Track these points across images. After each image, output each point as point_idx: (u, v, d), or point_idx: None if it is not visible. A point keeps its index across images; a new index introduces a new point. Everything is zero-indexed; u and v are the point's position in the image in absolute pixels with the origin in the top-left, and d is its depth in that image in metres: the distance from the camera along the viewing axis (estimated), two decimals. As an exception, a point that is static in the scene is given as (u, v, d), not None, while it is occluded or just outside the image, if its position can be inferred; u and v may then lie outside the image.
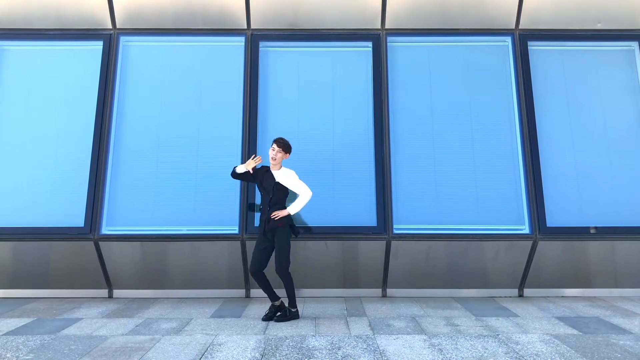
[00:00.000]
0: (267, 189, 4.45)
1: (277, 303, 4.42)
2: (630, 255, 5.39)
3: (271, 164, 4.51)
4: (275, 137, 4.57)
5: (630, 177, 5.57)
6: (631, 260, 5.40)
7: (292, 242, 4.51)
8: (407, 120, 5.74)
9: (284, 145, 4.50)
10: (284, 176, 4.49)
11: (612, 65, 5.93)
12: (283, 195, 4.49)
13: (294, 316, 4.41)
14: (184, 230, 5.39)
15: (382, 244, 5.33)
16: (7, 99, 5.78)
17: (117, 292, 5.47)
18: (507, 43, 5.97)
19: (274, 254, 4.40)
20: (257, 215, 5.31)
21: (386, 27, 5.93)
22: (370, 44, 5.91)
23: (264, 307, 4.92)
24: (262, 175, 4.51)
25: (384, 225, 5.35)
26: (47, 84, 5.82)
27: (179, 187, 5.53)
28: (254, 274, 4.35)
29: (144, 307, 4.97)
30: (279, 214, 4.33)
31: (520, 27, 5.93)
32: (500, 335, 3.90)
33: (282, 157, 4.51)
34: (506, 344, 3.67)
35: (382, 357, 3.39)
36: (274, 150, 4.47)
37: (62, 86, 5.81)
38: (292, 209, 4.42)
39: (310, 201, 4.51)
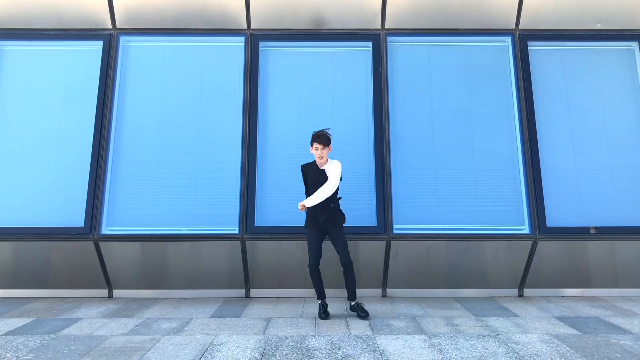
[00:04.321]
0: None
1: (326, 301, 4.52)
2: (630, 255, 5.38)
3: (319, 164, 4.47)
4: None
5: (630, 177, 5.57)
6: (631, 260, 5.40)
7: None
8: (407, 120, 5.74)
9: (327, 140, 4.41)
10: (333, 169, 4.44)
11: (612, 65, 5.93)
12: (337, 189, 4.52)
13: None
14: (184, 230, 5.39)
15: (382, 244, 5.33)
16: (7, 99, 5.78)
17: (117, 292, 5.47)
18: (507, 43, 5.97)
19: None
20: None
21: (386, 27, 5.93)
22: (370, 44, 5.91)
23: (264, 307, 4.93)
24: (313, 173, 4.48)
25: (384, 225, 5.35)
26: (47, 84, 5.82)
27: (179, 187, 5.53)
28: (315, 267, 4.38)
29: (144, 307, 4.97)
30: (302, 206, 4.41)
31: (520, 27, 5.93)
32: (500, 335, 3.90)
33: (328, 152, 4.47)
34: (506, 344, 3.67)
35: (382, 357, 3.39)
36: (317, 149, 4.39)
37: (62, 86, 5.81)
38: (309, 201, 4.39)
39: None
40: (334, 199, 4.49)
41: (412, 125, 5.73)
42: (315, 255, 4.42)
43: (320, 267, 4.48)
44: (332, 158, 4.69)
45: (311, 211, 4.47)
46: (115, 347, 3.62)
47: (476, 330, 4.06)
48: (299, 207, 4.44)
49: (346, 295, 4.58)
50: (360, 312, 4.45)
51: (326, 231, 4.49)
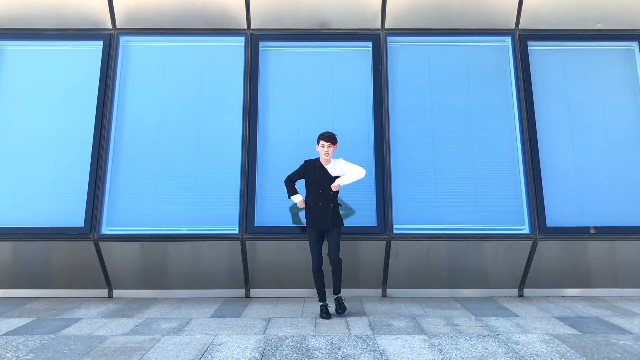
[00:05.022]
0: (325, 186, 4.51)
1: (327, 303, 4.54)
2: (630, 255, 5.38)
3: (324, 160, 4.58)
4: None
5: (630, 177, 5.57)
6: (631, 260, 5.39)
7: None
8: (407, 120, 5.74)
9: (332, 139, 4.57)
10: (338, 168, 4.61)
11: (612, 65, 5.93)
12: (337, 192, 4.65)
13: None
14: (184, 230, 5.39)
15: (382, 244, 5.33)
16: (7, 99, 5.78)
17: (117, 292, 5.47)
18: (507, 43, 5.96)
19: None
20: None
21: (386, 27, 5.93)
22: (370, 44, 5.90)
23: (264, 307, 4.93)
24: (315, 172, 4.57)
25: (384, 225, 5.35)
26: (47, 84, 5.82)
27: (179, 186, 5.53)
28: (319, 267, 4.45)
29: (144, 307, 4.97)
30: (337, 186, 4.52)
31: (520, 27, 5.93)
32: (500, 335, 3.90)
33: (333, 150, 4.61)
34: (506, 344, 3.67)
35: (382, 357, 3.39)
36: (324, 147, 4.54)
37: (62, 86, 5.81)
38: (344, 180, 4.55)
39: None
40: (335, 201, 4.57)
41: (412, 125, 5.72)
42: (317, 255, 4.47)
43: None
44: (335, 157, 4.74)
45: (312, 211, 4.54)
46: (115, 347, 3.62)
47: (476, 330, 4.06)
48: (333, 188, 4.51)
49: (345, 296, 4.58)
50: (339, 308, 4.51)
51: (326, 230, 4.53)
